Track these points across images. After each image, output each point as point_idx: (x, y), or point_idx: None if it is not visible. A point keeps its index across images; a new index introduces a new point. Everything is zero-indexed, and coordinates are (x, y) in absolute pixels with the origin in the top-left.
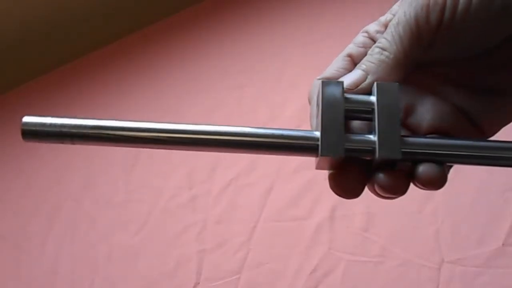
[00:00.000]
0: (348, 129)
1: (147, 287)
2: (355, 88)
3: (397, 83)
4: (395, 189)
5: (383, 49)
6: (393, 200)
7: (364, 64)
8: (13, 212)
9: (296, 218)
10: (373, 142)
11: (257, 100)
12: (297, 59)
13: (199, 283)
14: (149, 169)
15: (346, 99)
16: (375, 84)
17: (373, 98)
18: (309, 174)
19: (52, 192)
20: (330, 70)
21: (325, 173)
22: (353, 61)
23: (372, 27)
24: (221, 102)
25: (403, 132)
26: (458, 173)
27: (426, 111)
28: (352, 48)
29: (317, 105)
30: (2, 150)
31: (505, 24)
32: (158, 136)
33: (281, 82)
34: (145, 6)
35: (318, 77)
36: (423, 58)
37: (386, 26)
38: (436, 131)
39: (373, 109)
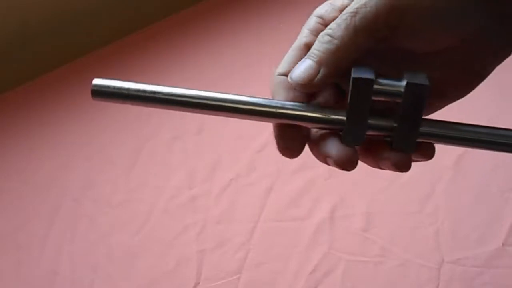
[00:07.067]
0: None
1: (147, 287)
2: (309, 84)
3: (428, 84)
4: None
5: (333, 37)
6: (393, 200)
7: (314, 54)
8: (13, 212)
9: (296, 218)
10: (392, 127)
11: None
12: None
13: (199, 283)
14: (149, 169)
15: (375, 89)
16: (405, 82)
17: (401, 90)
18: (309, 174)
19: (52, 192)
20: (285, 64)
21: (325, 174)
22: None
23: (327, 12)
24: None
25: None
26: (458, 173)
27: None
28: (308, 36)
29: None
30: (2, 150)
31: (450, 33)
32: (208, 103)
33: None
34: (145, 6)
35: (277, 73)
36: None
37: (342, 11)
38: None
39: (400, 94)
